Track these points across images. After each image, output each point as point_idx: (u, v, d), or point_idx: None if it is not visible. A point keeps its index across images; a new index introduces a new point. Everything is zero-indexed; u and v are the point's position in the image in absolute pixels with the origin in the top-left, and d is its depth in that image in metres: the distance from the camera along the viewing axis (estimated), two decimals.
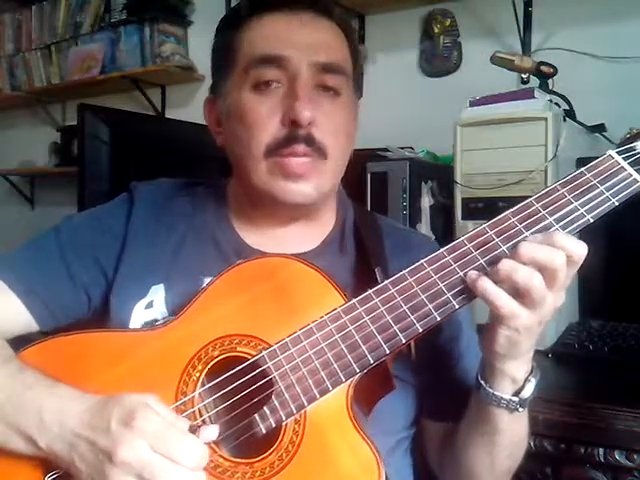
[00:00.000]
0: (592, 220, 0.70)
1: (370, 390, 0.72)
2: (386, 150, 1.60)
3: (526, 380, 0.73)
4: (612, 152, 0.73)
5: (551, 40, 1.87)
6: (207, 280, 0.82)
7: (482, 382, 0.74)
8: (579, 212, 0.70)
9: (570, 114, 1.47)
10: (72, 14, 3.12)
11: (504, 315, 0.66)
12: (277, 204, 0.83)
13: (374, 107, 2.07)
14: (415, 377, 0.84)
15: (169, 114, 2.87)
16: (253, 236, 0.88)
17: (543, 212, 0.70)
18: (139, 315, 0.82)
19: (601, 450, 0.96)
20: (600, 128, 1.57)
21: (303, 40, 0.81)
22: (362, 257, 0.87)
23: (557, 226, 0.69)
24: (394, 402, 0.77)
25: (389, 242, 0.90)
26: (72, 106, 3.17)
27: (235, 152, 0.85)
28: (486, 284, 0.67)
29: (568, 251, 0.65)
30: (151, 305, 0.83)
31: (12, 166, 3.31)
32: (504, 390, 0.73)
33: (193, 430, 0.63)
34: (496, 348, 0.70)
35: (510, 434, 0.78)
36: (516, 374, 0.72)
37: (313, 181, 0.81)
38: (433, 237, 1.51)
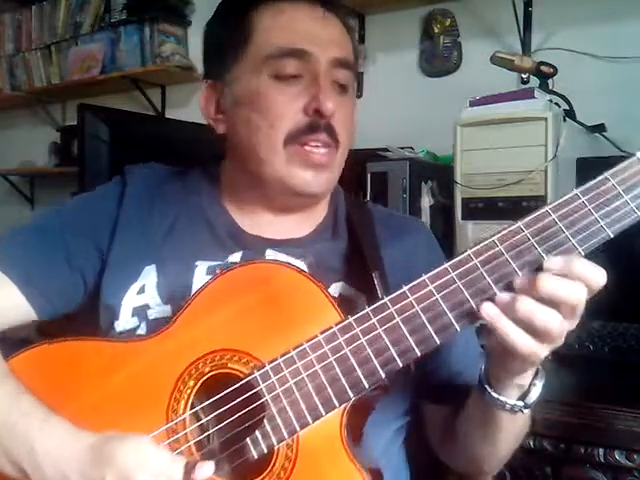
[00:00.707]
0: (612, 235, 0.64)
1: (362, 405, 0.70)
2: (386, 150, 1.60)
3: (531, 384, 0.72)
4: None
5: (551, 40, 1.87)
6: (201, 264, 0.82)
7: (488, 388, 0.72)
8: (598, 225, 0.64)
9: (570, 114, 1.47)
10: (72, 14, 3.12)
11: (524, 354, 0.65)
12: (287, 193, 0.82)
13: (374, 107, 2.07)
14: (409, 372, 0.84)
15: (169, 114, 2.87)
16: (248, 221, 0.87)
17: (559, 224, 0.64)
18: (130, 301, 0.81)
19: (601, 450, 0.96)
20: (600, 128, 1.57)
21: (322, 35, 0.82)
22: (354, 242, 0.87)
23: (573, 241, 0.64)
24: (389, 395, 0.76)
25: (382, 228, 0.90)
26: (72, 106, 3.17)
27: (246, 140, 0.83)
28: (505, 325, 0.63)
29: (588, 281, 0.62)
30: (143, 290, 0.82)
31: (12, 166, 3.31)
32: (510, 395, 0.72)
33: (189, 469, 0.62)
34: (511, 369, 0.69)
35: (513, 430, 0.78)
36: (524, 382, 0.71)
37: (328, 172, 0.82)
38: None
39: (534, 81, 1.52)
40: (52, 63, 3.20)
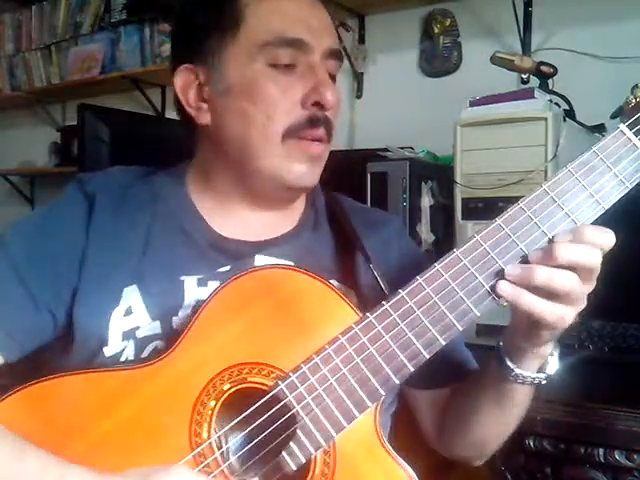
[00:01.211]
0: (606, 208, 0.67)
1: None
2: (386, 150, 1.60)
3: (549, 355, 0.73)
4: (623, 127, 0.68)
5: (551, 40, 1.87)
6: (187, 280, 0.78)
7: (510, 365, 0.72)
8: (593, 200, 0.67)
9: (570, 114, 1.47)
10: (72, 14, 3.12)
11: (550, 321, 0.66)
12: (278, 188, 0.80)
13: (374, 107, 2.08)
14: None
15: (169, 114, 2.87)
16: (225, 222, 0.83)
17: (558, 202, 0.67)
18: (118, 324, 0.76)
19: (601, 450, 0.96)
20: (600, 128, 1.56)
21: (316, 24, 0.79)
22: (337, 232, 0.86)
23: (572, 217, 0.66)
24: None
25: (356, 220, 0.89)
26: (72, 106, 3.17)
27: (238, 131, 0.79)
28: (527, 297, 0.65)
29: (600, 245, 0.64)
30: (130, 312, 0.76)
31: (12, 166, 3.31)
32: (531, 368, 0.73)
33: None
34: (537, 340, 0.70)
35: (525, 401, 0.78)
36: (546, 352, 0.72)
37: (320, 165, 0.82)
38: (433, 237, 1.51)
39: (534, 81, 1.52)
40: (52, 63, 3.20)
